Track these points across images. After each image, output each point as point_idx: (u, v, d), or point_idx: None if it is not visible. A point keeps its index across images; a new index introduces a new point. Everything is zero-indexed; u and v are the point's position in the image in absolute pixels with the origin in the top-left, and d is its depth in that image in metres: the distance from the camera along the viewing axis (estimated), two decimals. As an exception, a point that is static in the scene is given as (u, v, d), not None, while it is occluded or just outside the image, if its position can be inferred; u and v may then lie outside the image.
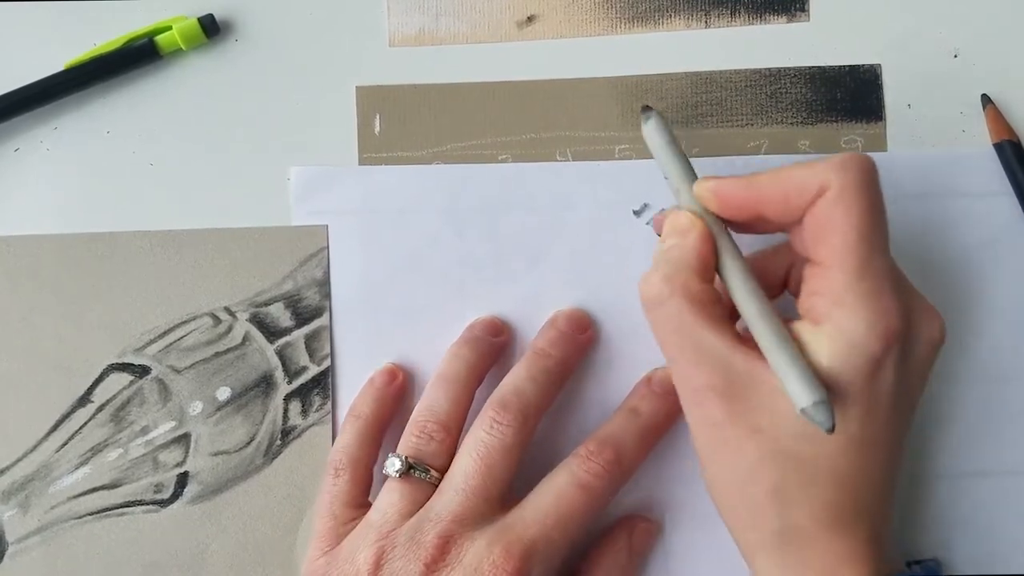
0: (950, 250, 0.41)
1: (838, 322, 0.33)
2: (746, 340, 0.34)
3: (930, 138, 0.42)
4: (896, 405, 0.33)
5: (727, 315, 0.35)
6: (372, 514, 0.37)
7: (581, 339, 0.40)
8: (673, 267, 0.34)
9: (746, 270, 0.34)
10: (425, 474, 0.37)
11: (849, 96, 0.42)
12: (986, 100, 0.41)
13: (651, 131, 0.37)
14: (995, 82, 0.42)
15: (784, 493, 0.33)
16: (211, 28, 0.42)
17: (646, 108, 0.38)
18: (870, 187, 0.33)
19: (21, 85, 0.42)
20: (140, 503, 0.41)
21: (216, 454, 0.41)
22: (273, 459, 0.41)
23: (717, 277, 0.35)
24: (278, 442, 0.41)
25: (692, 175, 0.36)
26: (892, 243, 0.41)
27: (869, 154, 0.34)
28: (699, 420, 0.35)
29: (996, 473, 0.40)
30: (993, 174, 0.41)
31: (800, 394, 0.31)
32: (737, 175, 0.35)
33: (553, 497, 0.36)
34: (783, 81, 0.42)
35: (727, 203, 0.35)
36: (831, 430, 0.31)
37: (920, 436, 0.40)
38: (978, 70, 0.42)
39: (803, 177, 0.33)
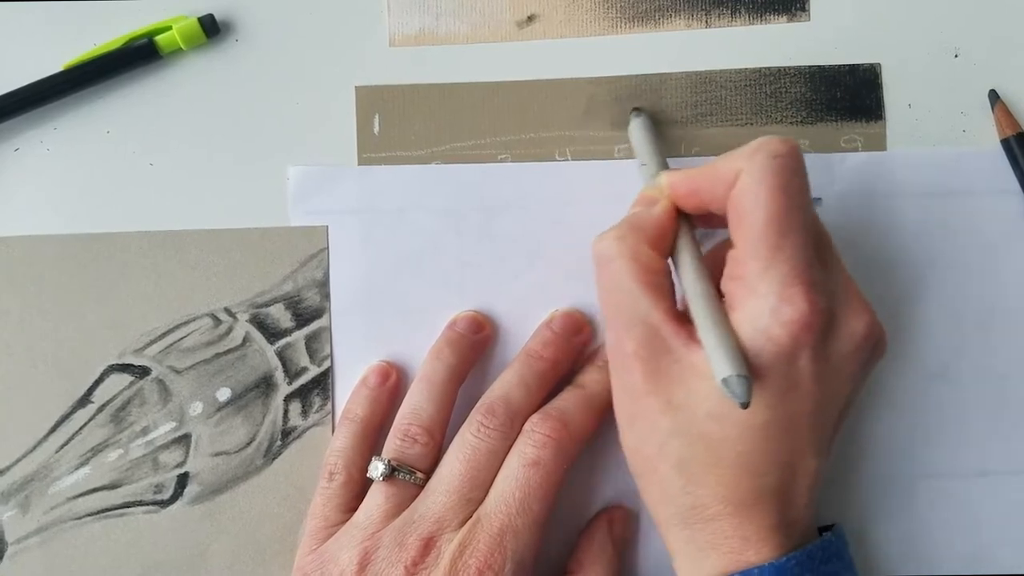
0: (951, 249, 0.41)
1: (748, 308, 0.33)
2: (681, 318, 0.34)
3: (930, 137, 0.42)
4: (814, 396, 0.33)
5: (670, 290, 0.35)
6: (358, 515, 0.37)
7: (575, 341, 0.40)
8: (628, 229, 0.35)
9: (697, 252, 0.36)
10: (410, 476, 0.37)
11: (849, 95, 0.42)
12: (994, 97, 0.41)
13: (636, 127, 0.40)
14: (995, 81, 0.42)
15: (690, 469, 0.33)
16: (211, 28, 0.42)
17: (636, 109, 0.41)
18: (781, 172, 0.33)
19: (21, 85, 0.42)
20: (140, 504, 0.41)
21: (216, 455, 0.41)
22: (273, 460, 0.41)
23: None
24: (278, 443, 0.41)
25: (666, 168, 0.38)
26: (892, 242, 0.41)
27: (789, 139, 0.34)
28: (621, 386, 0.35)
29: (997, 473, 0.40)
30: (995, 173, 0.41)
31: (722, 365, 0.31)
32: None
33: (509, 483, 0.36)
34: (783, 80, 0.42)
35: (676, 192, 0.36)
36: (746, 405, 0.31)
37: (920, 436, 0.40)
38: (978, 69, 0.42)
39: (722, 165, 0.34)
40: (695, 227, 0.37)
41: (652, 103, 0.42)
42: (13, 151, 0.42)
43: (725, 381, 0.31)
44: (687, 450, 0.33)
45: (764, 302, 0.33)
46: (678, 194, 0.36)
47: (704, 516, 0.33)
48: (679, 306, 0.35)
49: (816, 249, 0.34)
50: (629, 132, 0.41)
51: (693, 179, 0.35)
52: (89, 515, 0.41)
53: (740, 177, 0.33)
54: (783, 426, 0.33)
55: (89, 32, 0.42)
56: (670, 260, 0.36)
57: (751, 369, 0.32)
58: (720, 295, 0.34)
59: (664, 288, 0.35)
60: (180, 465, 0.41)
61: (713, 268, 0.35)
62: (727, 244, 0.35)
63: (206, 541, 0.41)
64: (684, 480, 0.34)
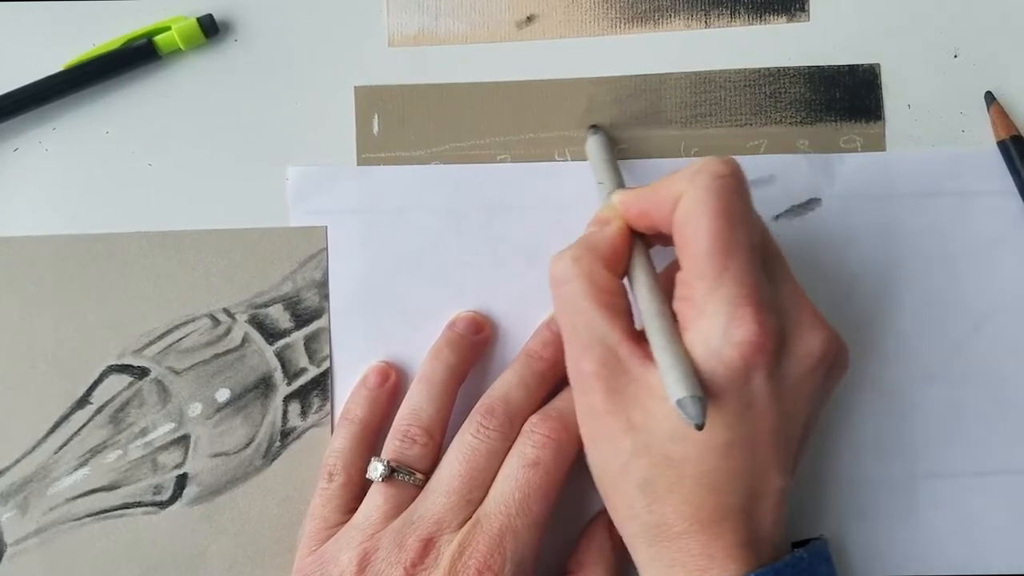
0: (949, 249, 0.41)
1: (699, 329, 0.33)
2: (637, 338, 0.34)
3: (929, 138, 0.42)
4: (772, 415, 0.33)
5: (626, 310, 0.35)
6: (357, 516, 0.37)
7: None
8: (584, 250, 0.35)
9: (651, 272, 0.36)
10: (409, 477, 0.37)
11: (848, 96, 0.42)
12: (990, 98, 0.41)
13: (593, 145, 0.41)
14: (995, 82, 0.42)
15: (653, 489, 0.33)
16: (210, 28, 0.42)
17: (594, 127, 0.41)
18: (723, 193, 0.33)
19: (20, 85, 0.42)
20: (139, 504, 0.41)
21: (215, 455, 0.41)
22: (272, 460, 0.41)
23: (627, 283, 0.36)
24: (277, 443, 0.41)
25: (622, 186, 0.38)
26: (890, 242, 0.41)
27: (730, 159, 0.34)
28: (583, 406, 0.36)
29: (996, 473, 0.40)
30: (994, 173, 0.41)
31: (676, 387, 0.31)
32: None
33: (509, 484, 0.36)
34: (782, 81, 0.42)
35: (628, 212, 0.36)
36: (700, 426, 0.31)
37: (919, 436, 0.40)
38: (978, 70, 0.42)
39: (667, 187, 0.34)
40: (650, 246, 0.37)
41: (652, 103, 0.42)
42: (12, 151, 0.42)
43: (679, 403, 0.31)
44: (649, 470, 0.33)
45: (713, 323, 0.33)
46: (630, 214, 0.36)
47: (669, 535, 0.33)
48: (637, 326, 0.35)
49: (766, 266, 0.34)
50: (586, 149, 0.41)
51: (641, 200, 0.36)
52: (88, 516, 0.41)
53: (681, 200, 0.33)
54: (743, 445, 0.33)
55: (88, 32, 0.42)
56: (625, 280, 0.36)
57: (706, 390, 0.32)
58: (674, 315, 0.34)
59: (620, 308, 0.35)
60: (179, 466, 0.41)
61: (668, 287, 0.35)
62: (677, 264, 0.35)
63: (205, 542, 0.41)
64: (648, 499, 0.33)
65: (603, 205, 0.38)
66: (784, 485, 0.34)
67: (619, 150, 0.42)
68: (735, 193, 0.33)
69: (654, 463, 0.33)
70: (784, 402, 0.33)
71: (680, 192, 0.34)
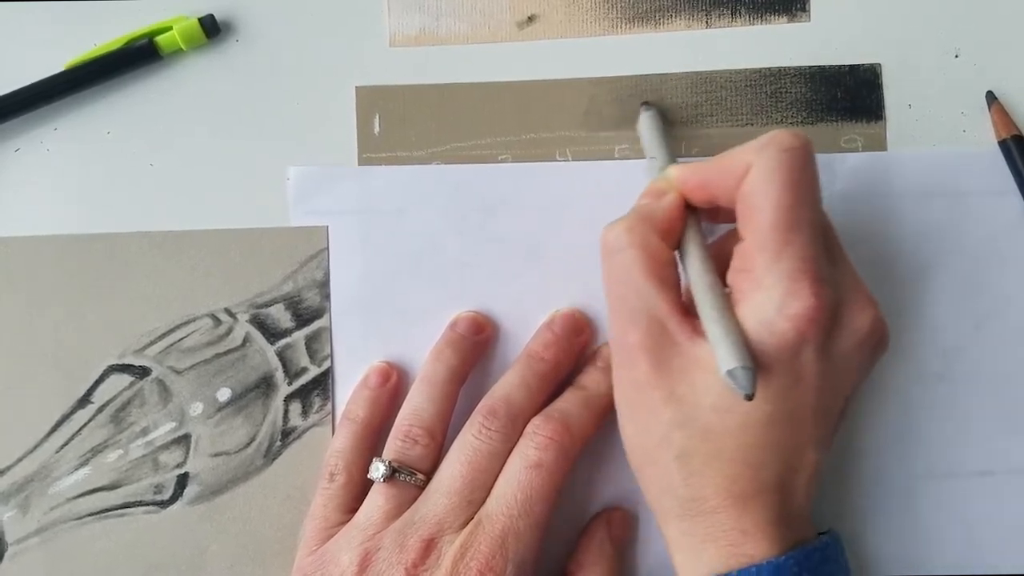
0: (950, 249, 0.41)
1: (754, 301, 0.33)
2: (686, 310, 0.34)
3: (930, 138, 0.42)
4: (817, 390, 0.33)
5: (676, 282, 0.35)
6: (358, 517, 0.37)
7: (576, 342, 0.40)
8: (638, 220, 0.35)
9: (703, 244, 0.36)
10: (411, 477, 0.37)
11: (849, 96, 0.42)
12: (991, 97, 0.41)
13: (646, 121, 0.41)
14: (996, 82, 0.42)
15: (690, 461, 0.33)
16: (211, 28, 0.42)
17: (646, 103, 0.41)
18: (791, 166, 0.33)
19: (21, 85, 0.42)
20: (140, 504, 0.41)
21: (216, 455, 0.41)
22: (273, 460, 0.41)
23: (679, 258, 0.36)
24: (278, 443, 0.41)
25: (674, 162, 0.38)
26: (891, 242, 0.41)
27: (800, 132, 0.34)
28: (624, 378, 0.35)
29: (997, 473, 0.40)
30: (995, 173, 0.41)
31: (727, 357, 0.32)
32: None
33: (511, 485, 0.36)
34: (783, 81, 0.42)
35: (684, 185, 0.36)
36: (750, 397, 0.31)
37: (920, 436, 0.40)
38: (979, 70, 0.42)
39: (733, 158, 0.34)
40: (702, 221, 0.37)
41: (652, 103, 0.42)
42: (14, 151, 0.42)
43: (730, 373, 0.31)
44: (689, 442, 0.33)
45: (770, 295, 0.33)
46: (687, 187, 0.36)
47: (703, 509, 0.33)
48: (684, 298, 0.35)
49: (824, 243, 0.34)
50: (638, 126, 0.41)
51: (703, 172, 0.36)
52: (89, 515, 0.41)
53: (750, 171, 0.33)
54: (786, 420, 0.33)
55: (89, 32, 0.42)
56: (676, 252, 0.36)
57: (756, 362, 0.32)
58: (726, 288, 0.34)
59: (670, 280, 0.35)
60: (180, 465, 0.41)
61: (718, 261, 0.35)
62: (733, 237, 0.35)
63: (206, 541, 0.41)
64: (685, 472, 0.33)
65: (656, 178, 0.38)
66: (819, 462, 0.34)
67: (620, 151, 0.42)
68: (804, 166, 0.33)
69: (694, 435, 0.33)
70: (830, 377, 0.34)
71: (748, 163, 0.33)
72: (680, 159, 0.39)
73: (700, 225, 0.36)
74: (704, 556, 0.33)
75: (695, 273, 0.35)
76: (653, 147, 0.39)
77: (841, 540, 0.36)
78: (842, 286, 0.34)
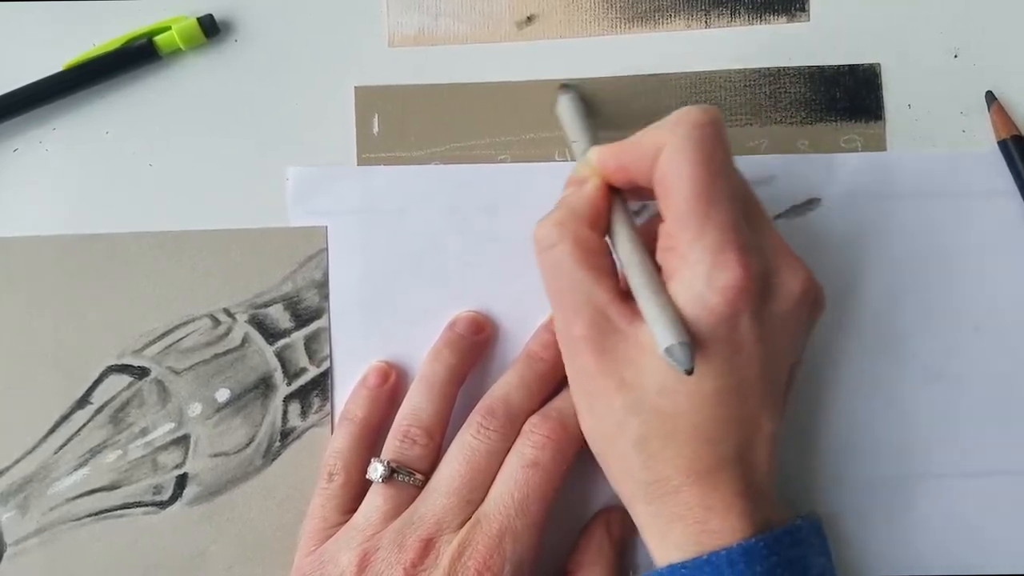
0: (949, 249, 0.41)
1: (683, 278, 0.33)
2: (625, 297, 0.35)
3: (930, 138, 0.42)
4: (759, 358, 0.33)
5: (611, 270, 0.35)
6: (357, 517, 0.37)
7: None
8: (566, 212, 0.36)
9: (631, 226, 0.36)
10: (409, 477, 0.37)
11: (849, 96, 0.42)
12: (991, 97, 0.41)
13: (565, 104, 0.40)
14: (995, 82, 0.42)
15: (648, 445, 0.34)
16: (210, 28, 0.42)
17: (564, 86, 0.41)
18: (703, 142, 0.33)
19: (20, 85, 0.42)
20: (139, 505, 0.41)
21: (215, 455, 0.41)
22: (272, 460, 0.41)
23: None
24: (277, 443, 0.41)
25: (596, 144, 0.38)
26: (890, 243, 0.41)
27: (710, 107, 0.34)
28: (574, 370, 0.36)
29: (997, 473, 0.40)
30: (994, 173, 0.41)
31: (663, 335, 0.32)
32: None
33: (508, 484, 0.36)
34: (783, 81, 0.42)
35: (605, 167, 0.36)
36: (690, 372, 0.31)
37: (919, 436, 0.40)
38: (978, 70, 0.42)
39: (646, 139, 0.35)
40: (627, 201, 0.37)
41: (652, 103, 0.42)
42: (12, 151, 0.42)
43: (668, 350, 0.32)
44: (644, 427, 0.34)
45: (697, 271, 0.33)
46: (607, 171, 0.36)
47: (666, 489, 0.34)
48: (621, 284, 0.35)
49: (745, 213, 0.34)
50: (557, 110, 0.41)
51: (620, 155, 0.36)
52: (88, 516, 0.41)
53: (663, 151, 0.34)
54: (733, 392, 0.33)
55: (88, 32, 0.42)
56: (607, 238, 0.36)
57: (693, 337, 0.32)
58: (658, 267, 0.35)
59: (606, 268, 0.35)
60: (179, 466, 0.41)
61: (648, 241, 0.35)
62: (659, 217, 0.35)
63: (205, 542, 0.41)
64: (644, 456, 0.34)
65: (577, 163, 0.38)
66: (775, 430, 0.34)
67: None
68: (716, 141, 0.34)
69: (647, 419, 0.33)
70: (770, 344, 0.34)
71: (661, 143, 0.34)
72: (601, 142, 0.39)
73: (626, 206, 0.37)
74: (672, 536, 0.33)
75: (626, 256, 0.35)
76: (574, 131, 0.39)
77: (820, 525, 0.36)
78: (769, 253, 0.35)
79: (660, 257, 0.35)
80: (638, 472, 0.34)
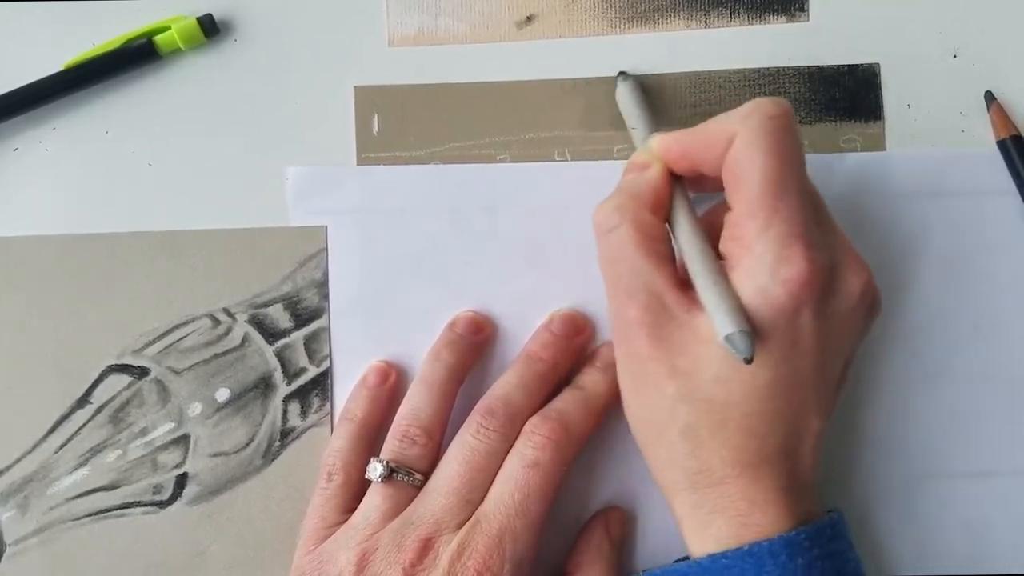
0: (949, 249, 0.41)
1: (747, 268, 0.33)
2: (683, 284, 0.35)
3: (929, 138, 0.42)
4: (816, 353, 0.33)
5: (670, 256, 0.35)
6: (356, 516, 0.37)
7: (575, 342, 0.40)
8: (627, 196, 0.36)
9: (692, 213, 0.36)
10: (408, 477, 0.37)
11: (848, 96, 0.42)
12: (990, 97, 0.41)
13: (624, 91, 0.41)
14: (995, 82, 0.42)
15: (696, 434, 0.34)
16: (210, 28, 0.42)
17: (623, 73, 0.41)
18: (775, 133, 0.33)
19: (20, 85, 0.42)
20: (139, 504, 0.41)
21: (215, 455, 0.41)
22: (272, 460, 0.41)
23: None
24: (277, 443, 0.41)
25: (655, 130, 0.38)
26: (890, 242, 0.41)
27: (782, 100, 0.34)
28: (626, 354, 0.36)
29: (997, 473, 0.40)
30: (994, 173, 0.41)
31: (724, 322, 0.32)
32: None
33: (509, 485, 0.36)
34: (782, 81, 0.42)
35: (668, 154, 0.36)
36: (749, 360, 0.31)
37: (920, 436, 0.40)
38: (978, 70, 0.42)
39: (717, 127, 0.34)
40: (687, 190, 0.37)
41: (651, 103, 0.42)
42: (12, 151, 0.42)
43: (728, 338, 0.32)
44: (693, 415, 0.33)
45: (763, 261, 0.33)
46: (670, 157, 0.36)
47: (711, 480, 0.33)
48: (679, 272, 0.35)
49: (812, 209, 0.34)
50: (617, 96, 0.41)
51: (685, 142, 0.36)
52: (88, 516, 0.41)
53: (735, 140, 0.34)
54: (787, 385, 0.33)
55: (88, 32, 0.42)
56: (667, 224, 0.36)
57: (753, 327, 0.32)
58: (719, 256, 0.34)
59: (665, 254, 0.35)
60: (179, 466, 0.41)
61: (709, 230, 0.35)
62: (723, 207, 0.35)
63: (205, 542, 0.41)
64: (691, 445, 0.34)
65: (638, 150, 0.38)
66: (822, 427, 0.34)
67: (619, 151, 0.42)
68: (788, 133, 0.34)
69: (697, 408, 0.33)
70: (828, 341, 0.34)
71: (732, 132, 0.34)
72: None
73: (687, 194, 0.37)
74: (712, 528, 0.33)
75: (686, 243, 0.35)
76: (633, 117, 0.40)
77: (846, 519, 0.36)
78: (834, 250, 0.35)
79: (724, 247, 0.35)
80: (683, 461, 0.34)
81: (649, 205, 0.35)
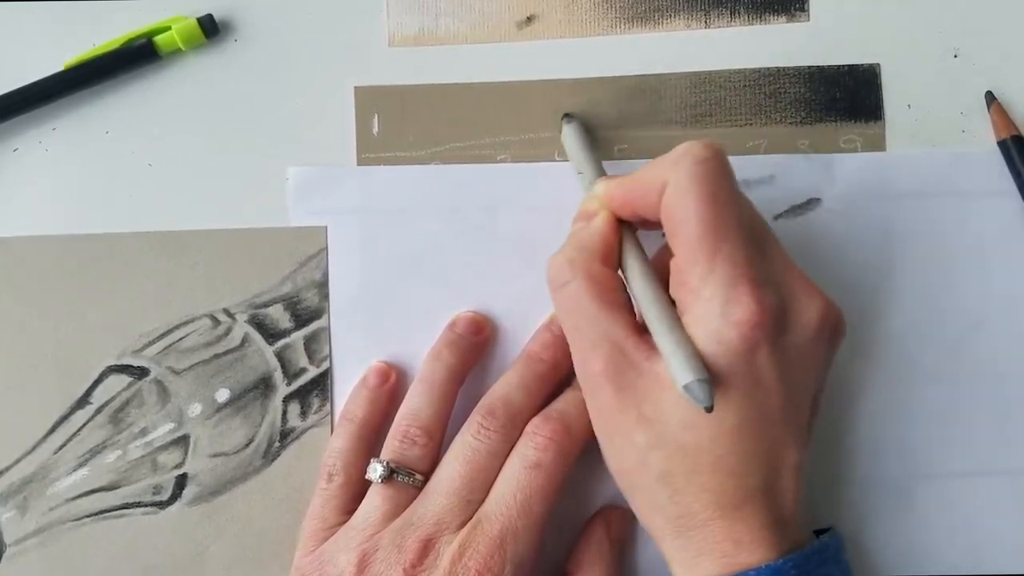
0: (949, 249, 0.41)
1: (697, 314, 0.33)
2: (641, 331, 0.34)
3: (930, 138, 0.42)
4: (780, 390, 0.33)
5: (626, 304, 0.35)
6: (356, 517, 0.37)
7: None
8: (577, 249, 0.35)
9: (643, 259, 0.36)
10: (408, 478, 0.37)
11: (848, 96, 0.42)
12: (990, 97, 0.41)
13: (569, 134, 0.40)
14: (995, 82, 0.42)
15: (672, 479, 0.33)
16: (210, 28, 0.42)
17: (567, 115, 0.41)
18: (707, 177, 0.33)
19: (20, 85, 0.42)
20: (139, 505, 0.41)
21: (215, 456, 0.41)
22: (272, 461, 0.41)
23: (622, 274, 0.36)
24: (277, 444, 0.41)
25: (602, 174, 0.38)
26: (890, 243, 0.41)
27: (712, 143, 0.34)
28: (594, 407, 0.36)
29: (997, 473, 0.40)
30: (994, 173, 0.41)
31: (681, 372, 0.32)
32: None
33: (510, 485, 0.36)
34: (782, 81, 0.42)
35: (612, 202, 0.36)
36: (710, 409, 0.31)
37: (918, 436, 0.40)
38: (978, 70, 0.42)
39: (650, 174, 0.34)
40: (637, 231, 0.37)
41: (652, 103, 0.42)
42: (12, 151, 0.42)
43: (686, 387, 0.31)
44: (667, 462, 0.33)
45: (711, 306, 0.33)
46: (614, 205, 0.36)
47: (694, 523, 0.33)
48: (637, 318, 0.35)
49: (756, 244, 0.34)
50: (562, 139, 0.41)
51: (626, 189, 0.36)
52: (88, 516, 0.41)
53: (667, 188, 0.33)
54: (755, 425, 0.33)
55: (88, 32, 0.42)
56: (620, 272, 0.36)
57: (711, 373, 0.32)
58: (672, 302, 0.34)
59: (621, 302, 0.35)
60: (179, 466, 0.41)
61: (662, 273, 0.35)
62: (668, 250, 0.35)
63: (205, 542, 0.41)
64: (669, 491, 0.33)
65: (585, 196, 0.38)
66: (800, 459, 0.34)
67: (619, 151, 0.42)
68: (719, 175, 0.33)
69: (670, 454, 0.33)
70: (790, 375, 0.33)
71: (664, 180, 0.34)
72: (608, 172, 0.39)
73: (636, 239, 0.36)
74: (700, 569, 0.33)
75: (639, 290, 0.35)
76: (579, 161, 0.39)
77: (841, 539, 0.36)
78: (783, 283, 0.34)
79: (673, 292, 0.34)
80: (664, 506, 0.34)
81: (599, 256, 0.35)
